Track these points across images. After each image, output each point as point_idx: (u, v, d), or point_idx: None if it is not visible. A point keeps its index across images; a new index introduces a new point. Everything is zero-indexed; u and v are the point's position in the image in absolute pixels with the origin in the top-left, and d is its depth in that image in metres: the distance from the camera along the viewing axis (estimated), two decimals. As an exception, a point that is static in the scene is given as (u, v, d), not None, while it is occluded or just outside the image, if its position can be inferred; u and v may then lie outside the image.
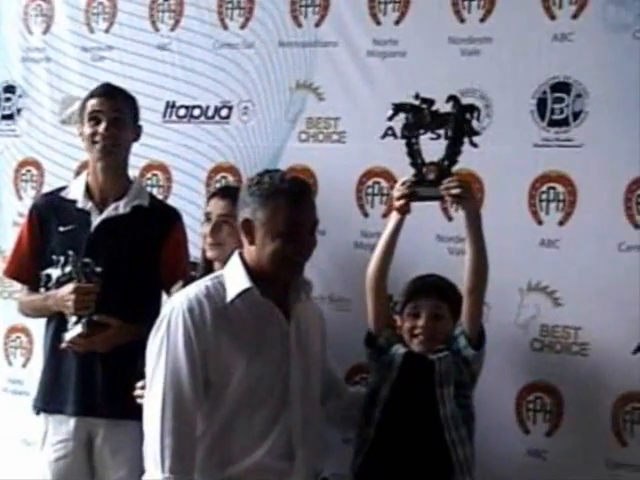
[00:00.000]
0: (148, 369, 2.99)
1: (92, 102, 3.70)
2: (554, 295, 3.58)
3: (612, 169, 3.54)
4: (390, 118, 3.25)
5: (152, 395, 2.95)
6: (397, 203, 3.16)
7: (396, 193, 3.17)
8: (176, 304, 2.97)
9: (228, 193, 3.48)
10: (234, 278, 2.98)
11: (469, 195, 3.11)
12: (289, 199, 2.93)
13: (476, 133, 3.12)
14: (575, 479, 3.54)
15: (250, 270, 2.98)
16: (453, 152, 3.12)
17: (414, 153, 3.16)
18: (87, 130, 3.68)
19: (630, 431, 3.51)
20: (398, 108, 3.19)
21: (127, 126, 3.70)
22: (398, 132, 3.65)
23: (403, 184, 3.15)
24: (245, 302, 2.96)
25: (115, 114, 3.65)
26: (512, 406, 3.64)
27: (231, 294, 2.95)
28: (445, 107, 3.21)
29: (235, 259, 3.01)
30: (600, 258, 3.54)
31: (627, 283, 3.49)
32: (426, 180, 3.13)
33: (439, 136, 3.21)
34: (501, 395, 3.54)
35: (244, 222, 2.98)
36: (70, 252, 3.59)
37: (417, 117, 3.15)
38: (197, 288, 3.00)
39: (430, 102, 3.16)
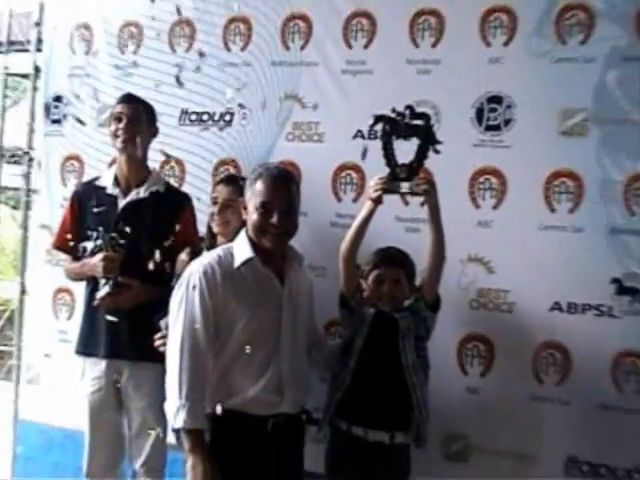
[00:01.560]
0: (170, 319, 3.08)
1: (116, 107, 3.75)
2: (488, 265, 3.60)
3: (534, 165, 3.56)
4: (372, 126, 3.29)
5: (173, 340, 3.01)
6: (374, 194, 3.12)
7: (375, 187, 3.12)
8: (194, 268, 3.04)
9: (232, 181, 3.49)
10: (241, 249, 3.05)
11: (433, 191, 3.10)
12: (265, 181, 3.01)
13: (439, 142, 3.10)
14: (503, 410, 3.59)
15: (254, 243, 3.01)
16: (421, 156, 3.10)
17: (389, 155, 3.12)
18: (112, 128, 3.73)
19: (546, 372, 3.54)
20: (378, 119, 3.16)
21: (143, 125, 3.72)
22: (365, 134, 3.71)
23: (380, 179, 3.11)
24: (248, 269, 3.02)
25: (133, 115, 3.69)
26: (454, 353, 3.66)
27: (237, 262, 3.02)
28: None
29: (242, 234, 3.09)
30: (525, 235, 3.57)
31: (545, 255, 3.53)
32: (399, 177, 3.10)
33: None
34: (445, 344, 3.54)
35: (242, 202, 3.10)
36: (100, 228, 3.64)
37: (393, 127, 3.12)
38: (210, 256, 3.07)
39: (404, 115, 3.14)
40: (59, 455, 4.41)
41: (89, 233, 3.72)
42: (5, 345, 4.70)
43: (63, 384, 4.33)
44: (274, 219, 2.98)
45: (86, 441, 3.84)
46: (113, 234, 3.59)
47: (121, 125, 3.69)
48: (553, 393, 3.52)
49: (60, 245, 3.93)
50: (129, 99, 3.76)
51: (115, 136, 3.72)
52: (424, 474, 3.36)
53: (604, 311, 3.44)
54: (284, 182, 3.04)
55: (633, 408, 3.40)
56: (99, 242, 3.62)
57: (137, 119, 3.70)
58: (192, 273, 3.03)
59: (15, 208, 5.05)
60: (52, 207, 4.48)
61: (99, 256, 3.59)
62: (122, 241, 3.58)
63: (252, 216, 3.02)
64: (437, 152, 3.11)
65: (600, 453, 3.44)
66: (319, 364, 3.37)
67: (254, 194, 3.02)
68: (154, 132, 3.83)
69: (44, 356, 4.48)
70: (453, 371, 3.64)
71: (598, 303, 3.45)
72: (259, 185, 3.01)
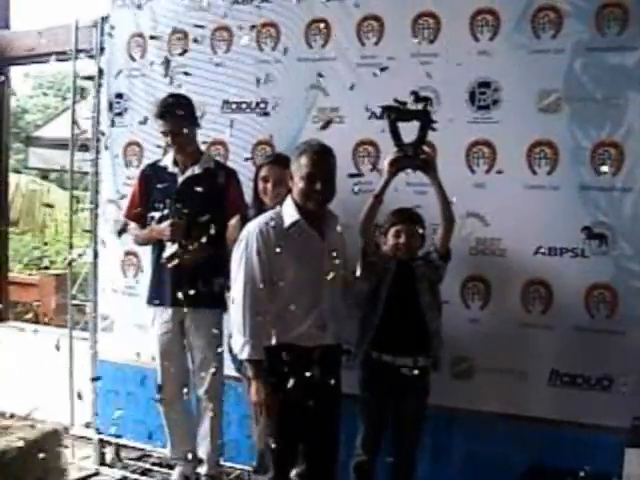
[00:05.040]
0: (233, 271, 3.15)
1: (159, 123, 3.80)
2: (484, 219, 3.66)
3: (518, 136, 3.61)
4: (382, 115, 3.39)
5: (236, 288, 3.11)
6: (390, 169, 3.24)
7: (390, 162, 3.24)
8: (251, 228, 3.15)
9: (279, 161, 3.53)
10: (288, 212, 3.14)
11: (434, 166, 3.24)
12: (309, 156, 3.10)
13: (435, 122, 3.22)
14: (499, 336, 3.68)
15: (299, 207, 3.06)
16: (422, 136, 3.21)
17: (397, 136, 3.23)
18: (163, 140, 3.88)
19: (533, 303, 3.62)
20: (385, 109, 3.28)
21: (185, 127, 3.77)
22: (378, 115, 3.74)
23: (393, 159, 3.23)
24: (296, 229, 3.14)
25: (175, 128, 3.74)
26: (458, 290, 3.74)
27: (287, 223, 3.13)
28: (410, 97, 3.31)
29: (289, 200, 3.17)
30: (512, 194, 3.62)
31: (530, 209, 3.59)
32: (407, 155, 3.21)
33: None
34: (451, 283, 3.60)
35: (289, 173, 3.17)
36: (167, 200, 3.73)
37: (397, 114, 3.22)
38: (264, 218, 3.17)
39: (405, 103, 3.26)
40: (132, 387, 4.50)
41: (156, 205, 3.80)
42: (84, 301, 4.76)
43: (132, 330, 4.42)
44: (317, 187, 3.08)
45: (158, 374, 3.95)
46: (178, 205, 3.67)
47: (169, 139, 3.79)
48: (539, 320, 3.60)
49: (131, 216, 4.02)
50: (167, 114, 3.76)
51: (167, 145, 3.85)
52: (438, 390, 3.45)
53: (578, 253, 3.52)
54: (325, 156, 3.15)
55: (601, 329, 3.49)
56: (166, 211, 3.72)
57: (179, 129, 3.75)
58: (250, 232, 3.13)
59: (84, 189, 5.06)
60: (116, 184, 4.52)
61: (166, 223, 3.69)
62: (185, 211, 3.66)
63: (299, 185, 3.11)
64: (434, 130, 3.23)
65: (576, 366, 3.53)
66: (348, 303, 3.44)
67: (300, 166, 3.11)
68: (196, 123, 3.90)
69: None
70: (458, 306, 3.71)
71: (573, 247, 3.52)
72: (304, 159, 3.10)
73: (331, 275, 3.18)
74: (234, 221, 3.69)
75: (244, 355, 3.09)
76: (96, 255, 4.61)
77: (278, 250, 3.09)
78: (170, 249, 3.69)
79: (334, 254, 3.21)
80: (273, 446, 3.16)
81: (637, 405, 3.35)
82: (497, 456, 3.52)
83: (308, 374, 3.09)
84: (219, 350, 3.82)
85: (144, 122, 4.38)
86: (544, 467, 3.44)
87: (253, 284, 3.08)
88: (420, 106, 3.27)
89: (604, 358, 3.49)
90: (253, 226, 3.15)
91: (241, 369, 3.49)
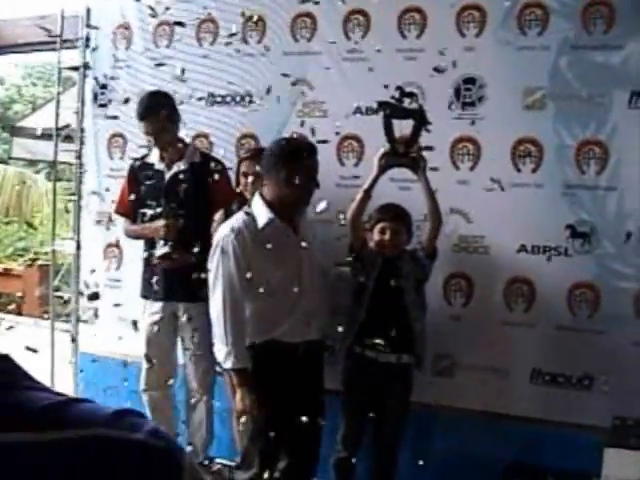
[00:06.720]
0: (210, 279, 3.13)
1: (141, 124, 3.83)
2: (467, 216, 3.65)
3: (503, 133, 3.61)
4: (377, 110, 3.35)
5: (216, 295, 3.09)
6: (380, 164, 3.25)
7: (379, 158, 3.25)
8: (226, 232, 3.10)
9: (258, 156, 3.48)
10: (261, 212, 3.12)
11: (424, 165, 3.24)
12: (294, 155, 3.05)
13: (429, 123, 3.21)
14: (481, 334, 3.67)
15: (270, 204, 3.05)
16: (415, 134, 3.20)
17: (390, 133, 3.22)
18: (145, 138, 3.93)
19: (515, 301, 3.62)
20: (380, 104, 3.27)
21: (167, 126, 3.78)
22: (363, 110, 3.73)
23: (384, 155, 3.24)
24: (270, 227, 3.11)
25: (156, 127, 3.76)
26: (440, 287, 3.72)
27: (261, 223, 3.10)
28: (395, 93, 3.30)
29: (257, 199, 3.14)
30: (496, 191, 3.59)
31: (513, 207, 3.59)
32: (398, 153, 3.20)
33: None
34: (434, 280, 3.54)
35: (269, 172, 3.10)
36: (161, 199, 3.74)
37: (392, 111, 3.22)
38: (236, 221, 3.13)
39: (402, 101, 3.26)
40: (114, 379, 4.43)
41: (146, 202, 3.79)
42: (65, 292, 4.71)
43: (113, 322, 4.37)
44: (305, 186, 3.07)
45: (143, 363, 3.94)
46: (173, 204, 3.69)
47: (151, 139, 3.83)
48: (521, 318, 3.60)
49: (121, 211, 4.05)
50: (147, 114, 3.79)
51: (149, 141, 3.88)
52: (420, 387, 3.45)
53: (561, 251, 3.51)
54: (310, 155, 3.13)
55: (583, 328, 3.49)
56: (159, 210, 3.72)
57: (161, 128, 3.77)
58: (225, 237, 3.09)
59: (68, 180, 5.02)
60: (101, 175, 4.47)
61: (161, 222, 3.70)
62: (181, 212, 3.67)
63: (283, 186, 3.06)
64: (428, 131, 3.24)
65: (558, 365, 3.53)
66: (330, 297, 3.42)
67: (283, 165, 3.06)
68: (178, 118, 3.88)
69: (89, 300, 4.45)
70: (440, 302, 3.69)
71: (556, 245, 3.51)
72: (288, 159, 3.05)
73: (310, 267, 3.19)
74: (217, 216, 3.67)
75: (228, 365, 3.08)
76: (79, 246, 4.56)
77: (255, 251, 3.07)
78: (162, 249, 3.70)
79: (310, 248, 3.21)
80: (258, 444, 3.15)
81: (618, 404, 3.36)
82: (478, 453, 3.52)
83: (294, 370, 3.09)
84: (210, 343, 3.81)
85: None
86: (525, 465, 3.44)
87: (232, 292, 3.06)
88: (412, 103, 3.27)
89: (586, 357, 3.49)
90: (226, 231, 3.12)
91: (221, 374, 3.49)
